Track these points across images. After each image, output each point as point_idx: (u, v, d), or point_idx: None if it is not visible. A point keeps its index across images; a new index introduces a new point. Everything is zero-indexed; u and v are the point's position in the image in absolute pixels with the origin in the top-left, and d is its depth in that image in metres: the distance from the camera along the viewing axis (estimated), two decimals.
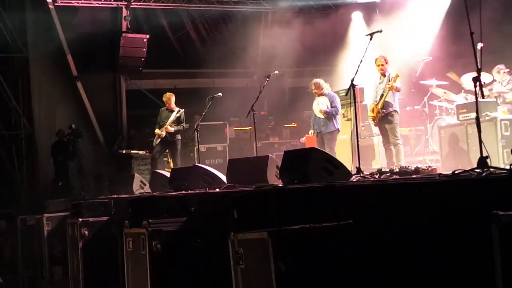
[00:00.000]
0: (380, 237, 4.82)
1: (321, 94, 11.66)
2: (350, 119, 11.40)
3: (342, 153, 11.58)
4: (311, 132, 11.95)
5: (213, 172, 8.81)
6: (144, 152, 15.52)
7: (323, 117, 11.52)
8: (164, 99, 13.28)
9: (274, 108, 18.42)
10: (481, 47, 6.24)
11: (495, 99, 10.71)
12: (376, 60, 10.55)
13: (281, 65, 15.86)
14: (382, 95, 10.35)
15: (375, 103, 10.51)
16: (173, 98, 13.19)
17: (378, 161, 11.50)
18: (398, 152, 10.30)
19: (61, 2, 15.86)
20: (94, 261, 7.99)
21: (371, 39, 9.02)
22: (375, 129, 11.75)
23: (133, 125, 17.81)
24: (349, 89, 8.91)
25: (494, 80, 11.37)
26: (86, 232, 7.95)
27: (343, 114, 12.21)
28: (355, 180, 7.07)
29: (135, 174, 11.91)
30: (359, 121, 9.88)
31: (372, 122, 10.94)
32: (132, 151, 15.64)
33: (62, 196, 12.36)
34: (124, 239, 6.77)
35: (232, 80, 19.15)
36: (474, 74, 5.94)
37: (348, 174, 6.98)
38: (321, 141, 11.58)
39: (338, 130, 11.55)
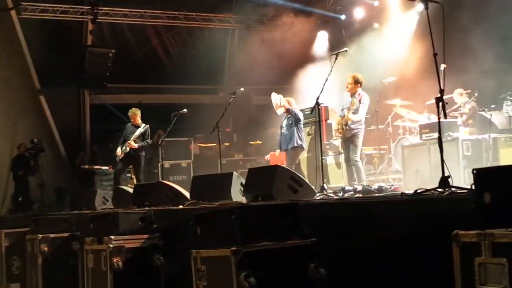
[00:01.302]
0: (343, 255, 4.84)
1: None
2: (315, 136, 11.50)
3: (306, 171, 11.65)
4: (277, 151, 12.02)
5: (177, 188, 8.74)
6: (107, 168, 15.38)
7: (286, 132, 11.56)
8: (129, 114, 13.17)
9: (239, 125, 18.46)
10: (444, 68, 6.34)
11: (457, 119, 10.91)
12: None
13: (247, 82, 15.93)
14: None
15: (342, 116, 10.55)
16: (138, 114, 13.08)
17: (341, 179, 11.54)
18: (358, 170, 10.39)
19: (25, 15, 15.72)
20: (54, 278, 7.83)
21: (336, 58, 9.10)
22: (338, 148, 11.84)
23: (97, 140, 17.67)
24: (314, 107, 8.97)
25: (455, 103, 11.59)
26: (45, 248, 7.80)
27: (307, 132, 12.28)
28: (318, 198, 7.15)
29: (97, 189, 11.78)
30: (323, 139, 9.95)
31: (337, 137, 10.99)
32: (95, 167, 15.49)
33: (22, 211, 12.18)
34: (85, 256, 6.67)
35: (198, 96, 19.17)
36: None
37: (312, 192, 7.04)
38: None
39: (301, 146, 11.60)
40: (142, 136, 12.83)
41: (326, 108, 12.28)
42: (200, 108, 16.66)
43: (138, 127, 12.91)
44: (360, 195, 7.11)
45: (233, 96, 11.46)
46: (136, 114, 13.06)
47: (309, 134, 12.29)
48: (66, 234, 7.92)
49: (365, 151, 12.24)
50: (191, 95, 18.99)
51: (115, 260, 6.05)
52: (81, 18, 16.59)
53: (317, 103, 8.83)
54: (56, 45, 16.58)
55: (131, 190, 10.11)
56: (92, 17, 16.25)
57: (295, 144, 11.54)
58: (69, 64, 16.76)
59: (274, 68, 16.47)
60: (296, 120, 11.62)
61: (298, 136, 11.59)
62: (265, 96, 18.61)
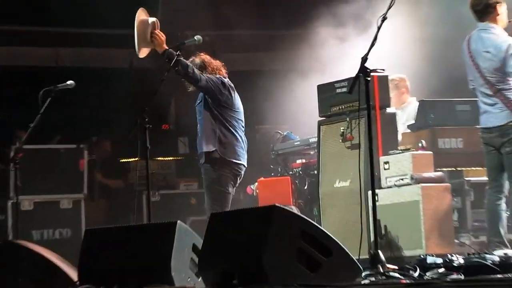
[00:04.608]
0: None
1: None
2: (359, 144, 11.29)
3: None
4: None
5: (51, 259, 8.75)
6: None
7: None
8: None
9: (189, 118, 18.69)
10: None
11: None
12: None
13: None
14: None
15: None
16: None
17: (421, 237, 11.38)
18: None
19: None
20: None
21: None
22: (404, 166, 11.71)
23: None
24: (355, 79, 8.75)
25: None
26: None
27: (340, 134, 12.03)
28: (367, 282, 7.24)
29: None
30: (378, 151, 9.83)
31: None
32: None
33: None
34: None
35: (104, 51, 19.64)
36: None
37: (353, 267, 7.12)
38: None
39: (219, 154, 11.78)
40: None
41: (385, 78, 12.02)
42: (108, 78, 16.72)
43: None
44: (462, 277, 7.11)
45: (178, 52, 11.28)
46: None
47: (343, 135, 12.03)
48: None
49: (469, 177, 12.15)
50: (88, 49, 19.19)
51: None
52: None
53: (365, 69, 8.65)
54: None
55: None
56: None
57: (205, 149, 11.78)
58: None
59: None
60: (211, 95, 11.82)
61: (219, 134, 11.80)
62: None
